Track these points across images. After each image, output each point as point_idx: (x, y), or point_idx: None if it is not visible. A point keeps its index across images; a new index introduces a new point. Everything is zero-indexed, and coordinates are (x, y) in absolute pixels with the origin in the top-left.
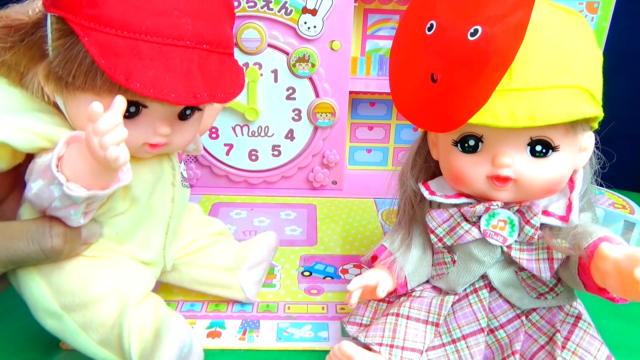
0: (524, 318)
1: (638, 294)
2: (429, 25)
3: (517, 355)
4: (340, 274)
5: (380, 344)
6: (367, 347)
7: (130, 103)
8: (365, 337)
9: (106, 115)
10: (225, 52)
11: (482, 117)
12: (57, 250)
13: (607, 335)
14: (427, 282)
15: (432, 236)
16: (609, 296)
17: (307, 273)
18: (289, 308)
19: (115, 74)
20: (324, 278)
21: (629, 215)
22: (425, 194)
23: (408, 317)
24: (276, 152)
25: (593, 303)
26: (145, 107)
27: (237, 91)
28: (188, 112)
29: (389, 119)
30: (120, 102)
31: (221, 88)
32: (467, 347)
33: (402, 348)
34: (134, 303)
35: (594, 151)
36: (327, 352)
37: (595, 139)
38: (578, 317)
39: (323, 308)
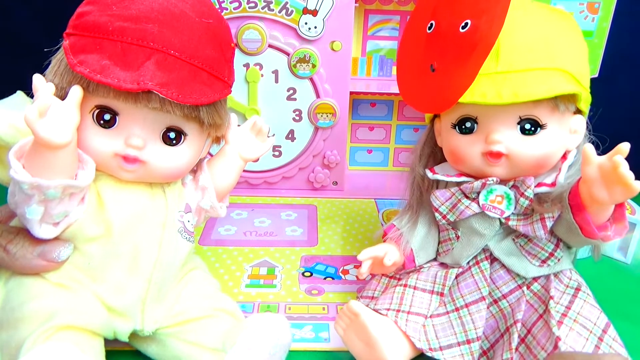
0: (525, 288)
1: (624, 189)
2: (429, 25)
3: (519, 325)
4: (341, 274)
5: (388, 309)
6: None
7: (103, 110)
8: (375, 305)
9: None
10: (204, 69)
11: (473, 96)
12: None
13: None
14: (435, 260)
15: (436, 214)
16: (605, 234)
17: (307, 273)
18: (289, 308)
19: (72, 61)
20: (325, 278)
21: (629, 215)
22: (429, 174)
23: (415, 288)
24: (277, 153)
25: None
26: (117, 114)
27: (203, 99)
28: (172, 134)
29: (389, 119)
30: (75, 90)
31: (179, 89)
32: (469, 313)
33: (408, 312)
34: (44, 333)
35: (587, 135)
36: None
37: (594, 139)
38: (577, 289)
39: (324, 309)
